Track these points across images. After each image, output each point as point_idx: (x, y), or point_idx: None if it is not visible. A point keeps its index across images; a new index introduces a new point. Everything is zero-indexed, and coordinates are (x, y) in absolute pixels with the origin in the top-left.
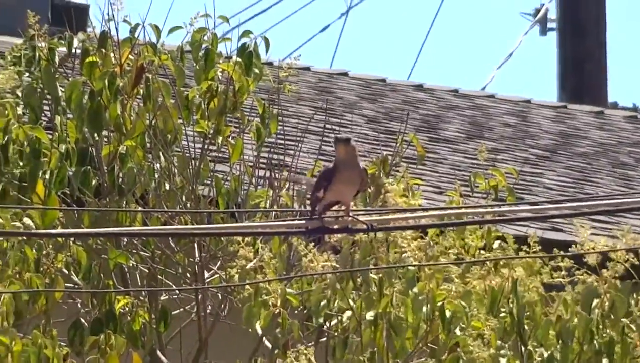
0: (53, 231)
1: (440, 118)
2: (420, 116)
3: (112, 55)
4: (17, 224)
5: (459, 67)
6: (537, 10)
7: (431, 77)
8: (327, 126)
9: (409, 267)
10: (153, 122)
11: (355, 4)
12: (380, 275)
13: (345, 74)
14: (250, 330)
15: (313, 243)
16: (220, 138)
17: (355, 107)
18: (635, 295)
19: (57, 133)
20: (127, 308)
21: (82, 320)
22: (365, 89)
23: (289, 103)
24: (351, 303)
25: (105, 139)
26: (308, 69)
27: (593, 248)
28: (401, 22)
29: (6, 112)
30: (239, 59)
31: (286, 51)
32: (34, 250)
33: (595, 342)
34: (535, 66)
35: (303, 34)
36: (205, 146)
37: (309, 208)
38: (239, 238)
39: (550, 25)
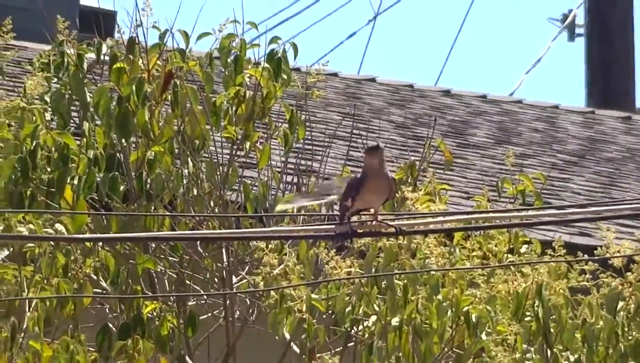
0: (81, 236)
1: (469, 124)
2: (448, 122)
3: (140, 61)
4: (50, 230)
5: (487, 72)
6: (565, 16)
7: (459, 82)
8: (354, 131)
9: (433, 273)
10: (181, 128)
11: (383, 11)
12: (405, 282)
13: (373, 80)
14: (277, 337)
15: (335, 250)
16: (248, 143)
17: (383, 113)
18: None
19: (85, 139)
20: (155, 313)
21: (110, 325)
22: (393, 95)
23: (316, 109)
24: (376, 308)
25: (133, 145)
26: (336, 75)
27: (618, 251)
28: (429, 28)
29: (34, 118)
30: (267, 65)
31: (314, 57)
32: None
33: (620, 344)
34: (563, 72)
35: (331, 40)
36: (233, 152)
37: (337, 213)
38: (263, 245)
39: (578, 31)
